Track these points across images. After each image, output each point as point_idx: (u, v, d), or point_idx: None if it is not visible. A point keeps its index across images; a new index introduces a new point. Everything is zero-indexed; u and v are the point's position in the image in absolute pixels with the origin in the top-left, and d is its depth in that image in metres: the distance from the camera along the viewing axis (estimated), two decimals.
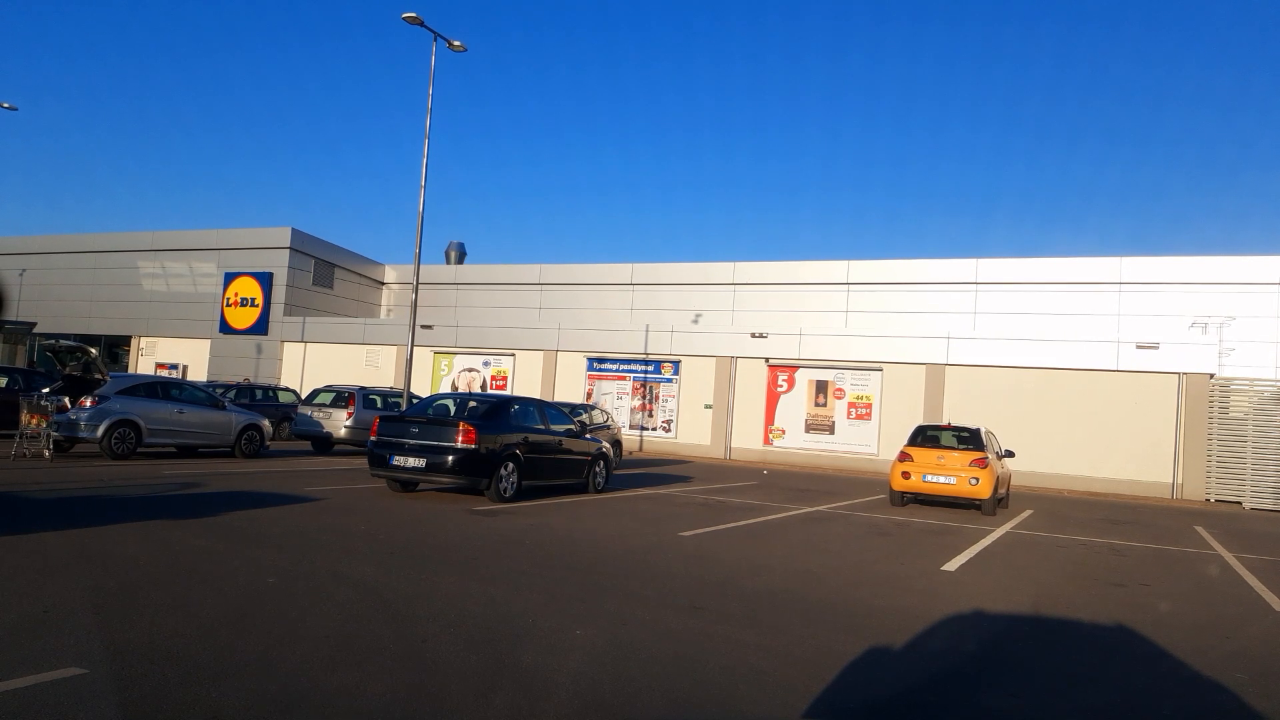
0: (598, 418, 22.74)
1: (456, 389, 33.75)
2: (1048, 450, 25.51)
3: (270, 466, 16.46)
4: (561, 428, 14.47)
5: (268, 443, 18.62)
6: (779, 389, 29.79)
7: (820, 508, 15.54)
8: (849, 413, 28.81)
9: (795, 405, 29.48)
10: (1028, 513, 17.45)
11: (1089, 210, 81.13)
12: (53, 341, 17.10)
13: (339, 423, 20.75)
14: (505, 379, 34.21)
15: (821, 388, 29.22)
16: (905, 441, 17.22)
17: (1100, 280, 30.28)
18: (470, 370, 34.92)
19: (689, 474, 21.36)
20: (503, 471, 12.62)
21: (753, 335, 29.88)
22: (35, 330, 31.03)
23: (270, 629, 5.40)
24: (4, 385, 17.88)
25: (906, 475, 16.32)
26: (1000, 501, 17.00)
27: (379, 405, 21.39)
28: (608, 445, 15.91)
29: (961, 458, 16.09)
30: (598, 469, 15.08)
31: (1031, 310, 30.40)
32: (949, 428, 17.70)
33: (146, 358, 41.65)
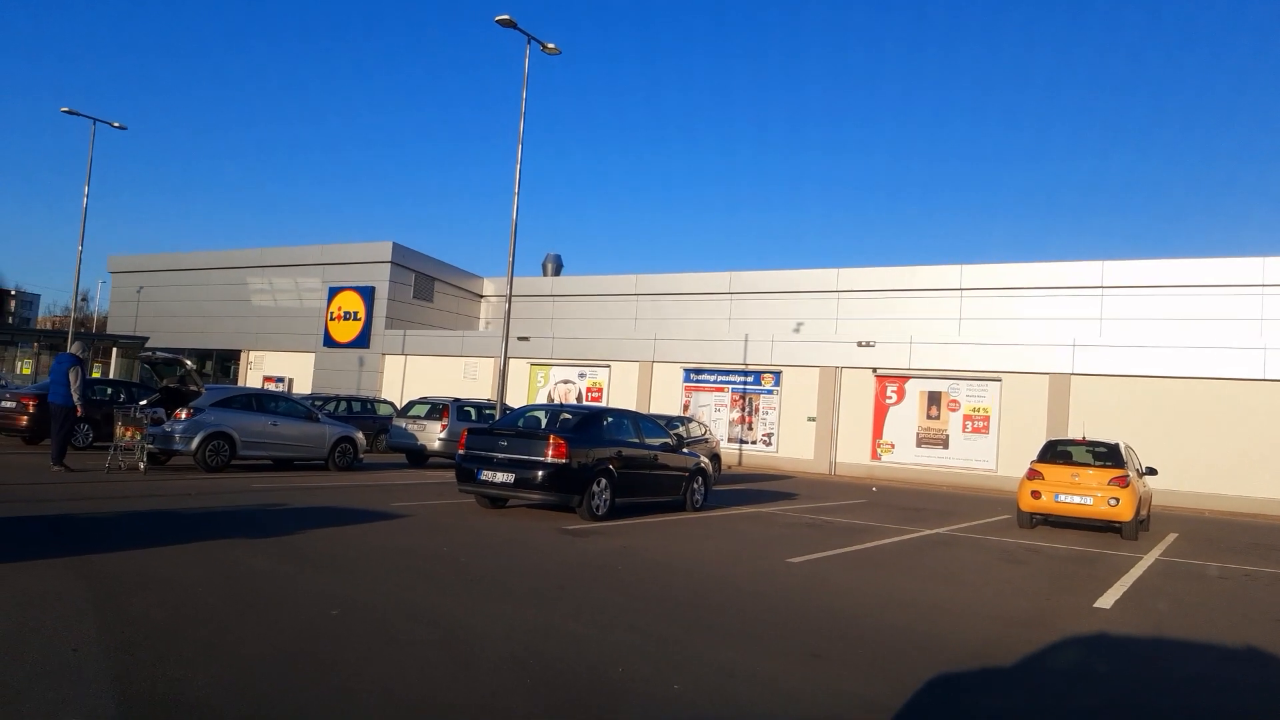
0: (695, 431, 21.79)
1: (553, 401, 33.29)
2: (1184, 467, 23.25)
3: (361, 480, 16.07)
4: (657, 441, 13.58)
5: (361, 455, 18.32)
6: (888, 400, 28.24)
7: (941, 530, 14.22)
8: (964, 425, 27.06)
9: (905, 418, 27.88)
10: (1172, 536, 15.73)
11: (1226, 208, 76.12)
12: (150, 353, 17.16)
13: (433, 435, 20.41)
14: (601, 391, 33.59)
15: (934, 399, 27.55)
16: (1034, 457, 15.76)
17: (1241, 283, 27.71)
18: (566, 382, 34.44)
19: (792, 490, 20.18)
20: (595, 488, 11.80)
21: (859, 344, 28.42)
22: (149, 345, 32.06)
23: (319, 677, 4.66)
24: (106, 397, 18.06)
25: (1036, 494, 14.85)
26: (1142, 524, 15.35)
27: (473, 417, 21.00)
28: (706, 460, 14.94)
29: (1099, 476, 14.56)
30: (696, 485, 14.12)
31: (1164, 315, 28.07)
32: (1084, 442, 16.13)
33: (255, 371, 42.68)
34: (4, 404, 17.47)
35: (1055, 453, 15.71)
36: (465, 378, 35.79)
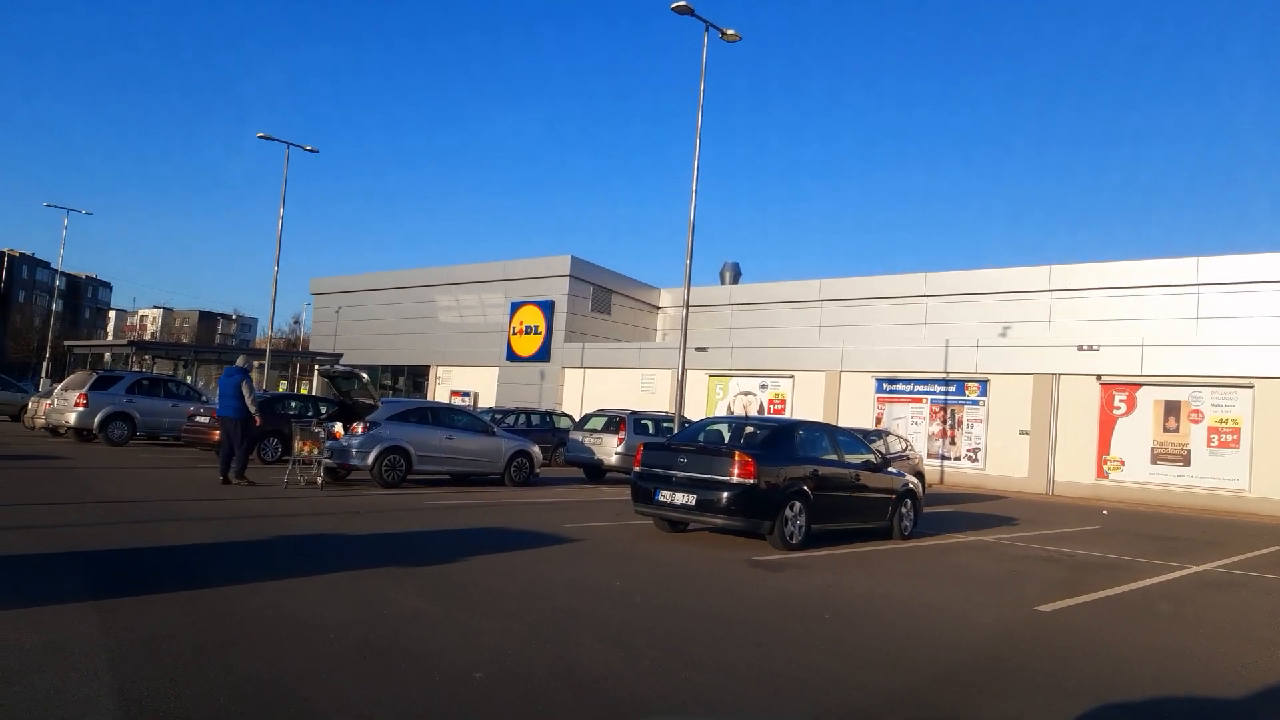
0: (894, 445, 19.77)
1: (732, 413, 31.82)
2: None
3: (536, 497, 15.25)
4: (858, 458, 11.87)
5: (538, 470, 17.58)
6: (1115, 411, 24.93)
7: (1209, 566, 11.72)
8: (1209, 439, 23.44)
9: (1137, 430, 24.48)
10: None
11: None
12: (328, 367, 17.07)
13: (609, 449, 19.57)
14: (784, 402, 31.83)
15: (1171, 409, 24.05)
16: None
17: None
18: (746, 394, 32.87)
19: (1010, 514, 17.77)
20: (788, 513, 10.27)
21: (1080, 348, 25.27)
22: (341, 361, 33.14)
23: None
24: (295, 412, 18.20)
25: None
26: None
27: (650, 430, 19.96)
28: (914, 480, 13.05)
29: None
30: (904, 509, 12.28)
31: None
32: None
33: (443, 386, 43.67)
34: (199, 419, 17.90)
35: None
36: (642, 390, 34.96)
